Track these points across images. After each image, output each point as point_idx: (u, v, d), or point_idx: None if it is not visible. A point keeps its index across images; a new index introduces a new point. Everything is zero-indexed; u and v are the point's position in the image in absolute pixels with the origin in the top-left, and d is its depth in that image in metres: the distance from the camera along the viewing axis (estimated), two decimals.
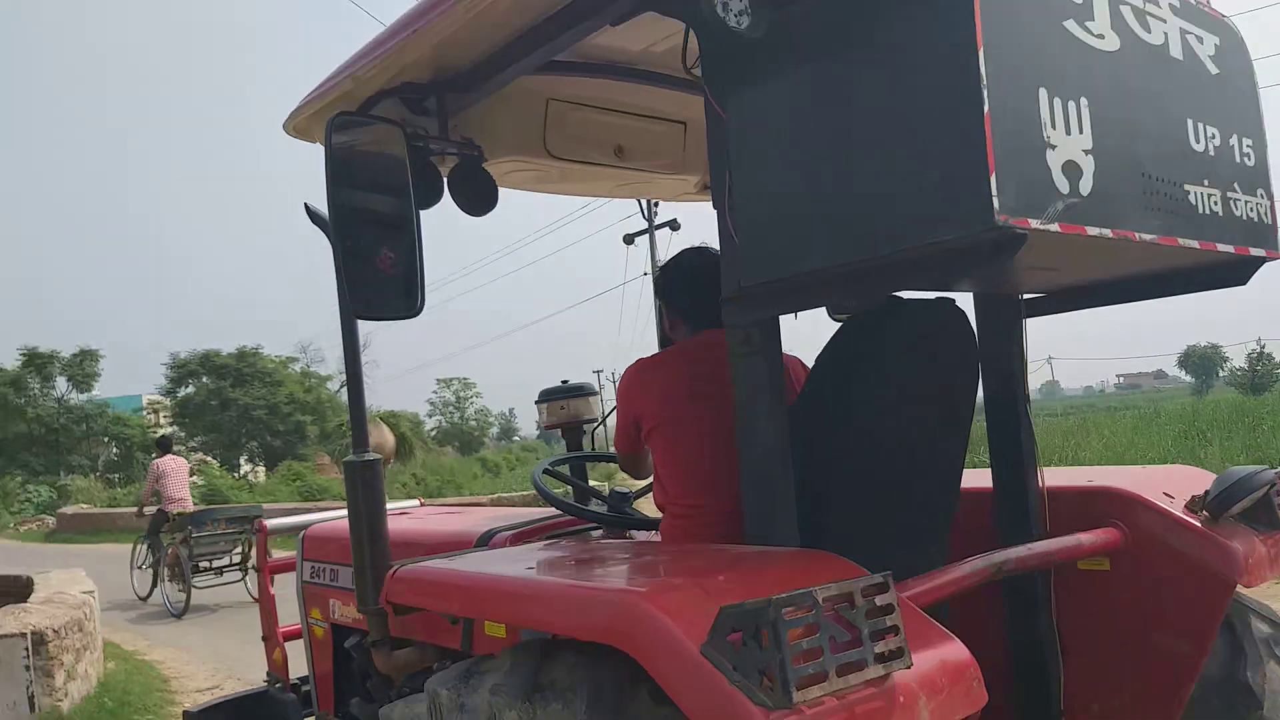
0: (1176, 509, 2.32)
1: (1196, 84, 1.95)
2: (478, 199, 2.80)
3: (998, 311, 2.52)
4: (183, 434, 44.06)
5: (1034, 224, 1.50)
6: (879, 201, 1.61)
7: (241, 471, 41.67)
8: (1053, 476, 2.58)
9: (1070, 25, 1.65)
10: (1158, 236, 1.79)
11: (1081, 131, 1.61)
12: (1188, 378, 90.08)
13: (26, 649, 6.56)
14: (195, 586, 11.71)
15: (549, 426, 3.35)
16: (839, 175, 1.68)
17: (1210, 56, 1.99)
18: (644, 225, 22.02)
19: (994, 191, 1.44)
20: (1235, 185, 2.00)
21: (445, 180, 2.69)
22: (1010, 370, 2.54)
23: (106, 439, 44.13)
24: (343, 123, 2.34)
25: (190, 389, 44.35)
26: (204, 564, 12.09)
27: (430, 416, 75.42)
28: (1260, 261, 2.09)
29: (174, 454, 13.58)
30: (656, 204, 21.15)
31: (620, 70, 2.73)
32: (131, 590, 12.80)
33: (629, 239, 22.74)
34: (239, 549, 12.28)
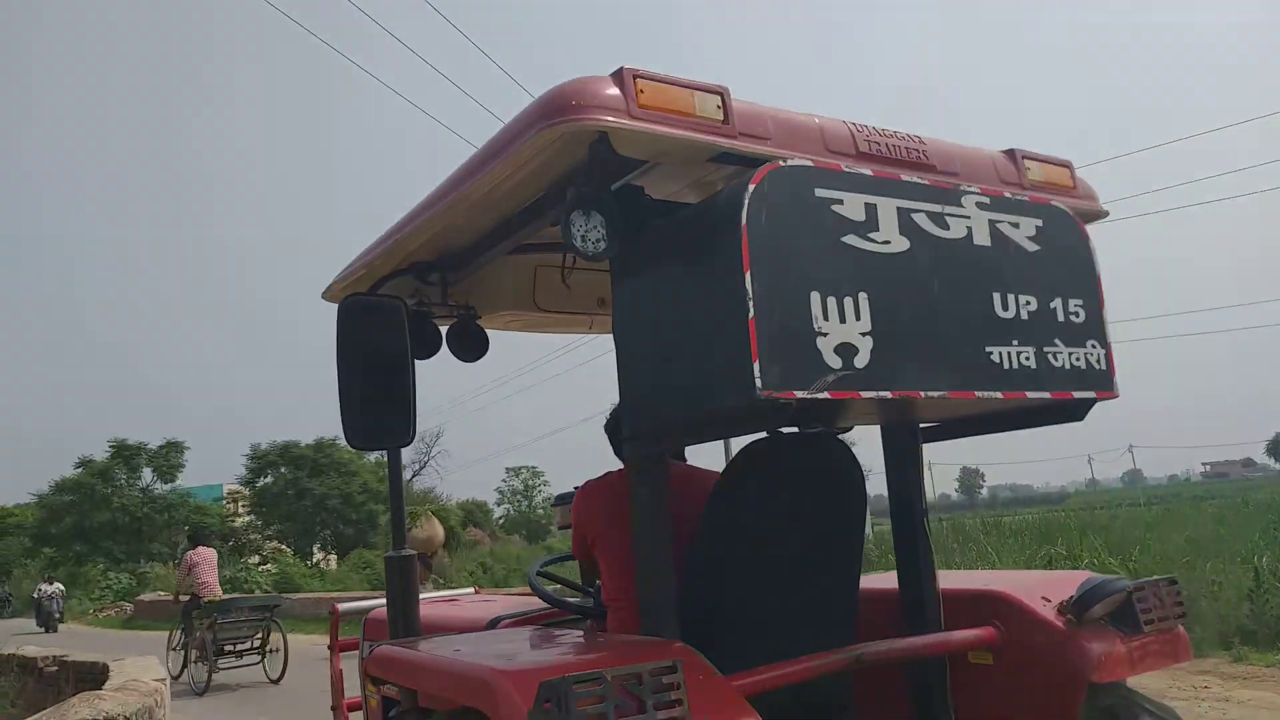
0: (1050, 612, 2.61)
1: (1006, 262, 2.32)
2: (471, 349, 3.54)
3: (898, 438, 2.90)
4: (259, 522, 44.95)
5: (799, 395, 1.91)
6: (697, 372, 2.07)
7: (314, 559, 42.20)
8: (949, 580, 2.92)
9: (851, 239, 2.07)
10: (948, 392, 2.15)
11: (859, 319, 2.03)
12: (1278, 465, 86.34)
13: None
14: (219, 669, 12.65)
15: (562, 527, 3.63)
16: (675, 352, 2.15)
17: (1029, 237, 2.38)
18: None
19: (756, 373, 1.87)
20: (1056, 341, 2.36)
21: (444, 335, 3.39)
22: (910, 487, 2.91)
23: (186, 527, 45.18)
24: (349, 304, 2.99)
25: (269, 479, 45.30)
26: (228, 647, 13.08)
27: (499, 505, 75.76)
28: (1091, 402, 2.44)
29: (206, 545, 14.89)
30: None
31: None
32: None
33: None
34: (259, 634, 13.27)
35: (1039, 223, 2.41)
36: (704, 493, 2.66)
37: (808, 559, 2.66)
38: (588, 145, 2.12)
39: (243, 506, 47.43)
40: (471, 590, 4.78)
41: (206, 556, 14.07)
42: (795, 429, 2.65)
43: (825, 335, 1.98)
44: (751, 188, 1.98)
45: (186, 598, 13.61)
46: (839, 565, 2.74)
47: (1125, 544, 17.92)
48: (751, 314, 1.90)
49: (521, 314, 3.57)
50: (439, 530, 12.13)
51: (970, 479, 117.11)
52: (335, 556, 42.18)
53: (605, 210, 2.21)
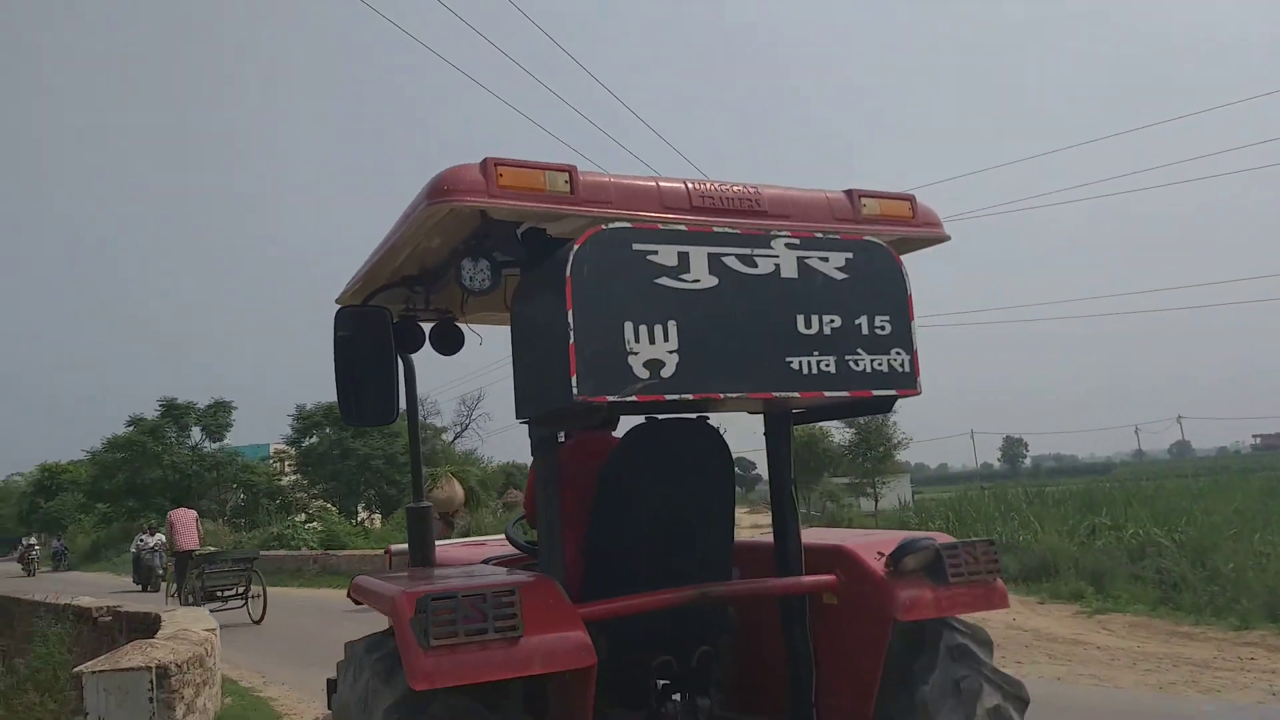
0: (878, 564, 3.22)
1: (813, 290, 2.87)
2: (449, 345, 4.24)
3: (774, 421, 3.56)
4: (305, 481, 45.70)
5: (611, 398, 2.56)
6: (545, 379, 2.72)
7: (359, 518, 42.88)
8: (812, 536, 3.66)
9: (663, 280, 2.68)
10: (748, 393, 2.78)
11: (667, 341, 2.64)
12: None
13: (151, 682, 6.92)
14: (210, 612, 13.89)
15: None
16: (536, 362, 2.85)
17: (838, 268, 2.92)
18: None
19: (574, 384, 2.52)
20: (859, 351, 2.91)
21: (426, 334, 4.09)
22: (781, 459, 3.56)
23: (235, 485, 46.12)
24: (341, 313, 3.77)
25: (314, 439, 46.02)
26: (216, 594, 15.49)
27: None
28: (893, 401, 3.04)
29: (185, 507, 18.30)
30: None
31: None
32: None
33: None
34: (242, 583, 15.79)
35: (849, 255, 2.96)
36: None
37: (682, 517, 3.29)
38: (476, 211, 2.78)
39: (289, 466, 48.28)
40: (501, 537, 5.11)
41: (183, 516, 17.27)
42: (674, 415, 3.25)
43: (635, 354, 2.62)
44: (575, 248, 2.62)
45: (176, 554, 16.75)
46: (711, 522, 3.39)
47: (1171, 515, 17.68)
48: (571, 341, 2.56)
49: (495, 314, 4.21)
50: (458, 490, 13.19)
51: (1013, 448, 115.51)
52: (379, 515, 42.82)
53: (490, 256, 2.95)
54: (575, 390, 2.55)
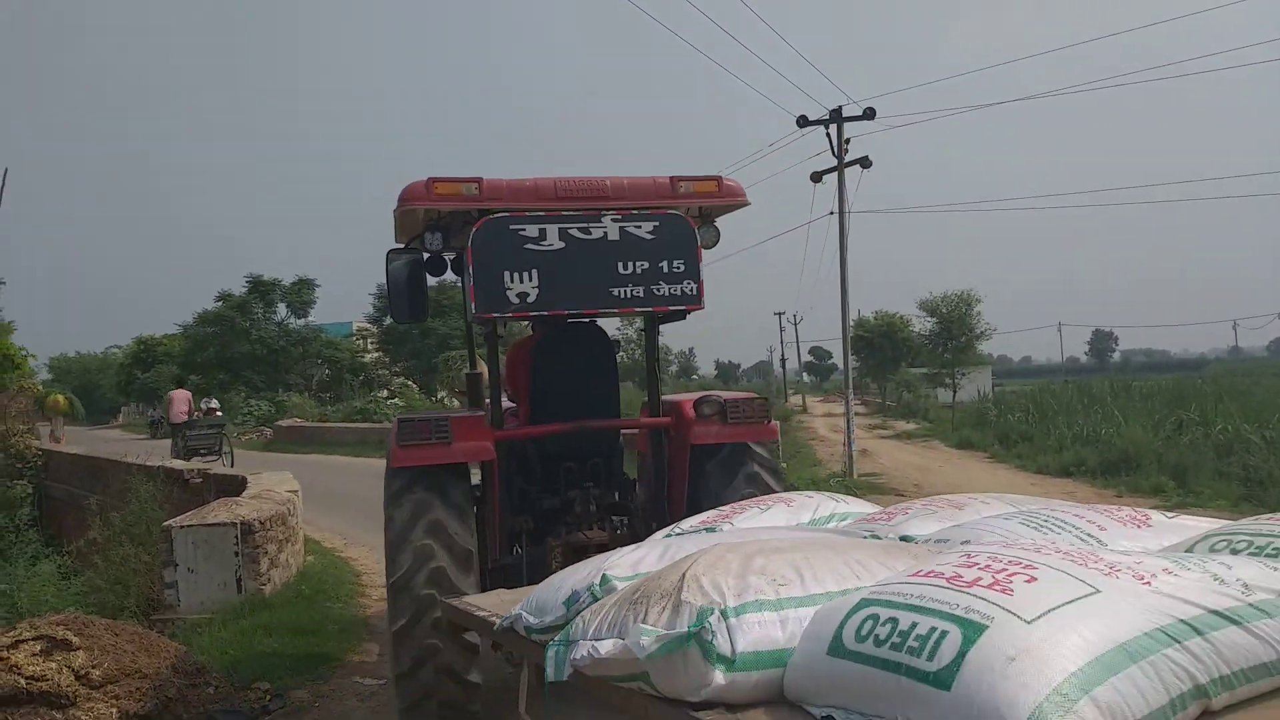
0: (691, 411, 5.06)
1: (629, 246, 4.67)
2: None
3: (649, 325, 5.56)
4: (386, 359, 46.83)
5: (494, 315, 4.65)
6: (469, 304, 4.78)
7: (439, 395, 43.97)
8: (668, 397, 5.54)
9: (529, 246, 4.52)
10: (583, 310, 4.84)
11: (531, 280, 4.51)
12: None
13: (236, 537, 7.23)
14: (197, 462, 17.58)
15: None
16: (470, 295, 4.68)
17: (648, 232, 4.69)
18: (833, 162, 21.36)
19: (472, 305, 4.54)
20: (660, 283, 4.72)
21: (449, 264, 5.41)
22: (651, 350, 5.68)
23: (319, 360, 47.47)
24: (391, 253, 5.34)
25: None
26: (198, 451, 20.03)
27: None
28: (686, 312, 4.93)
29: (182, 388, 25.12)
30: (848, 140, 20.44)
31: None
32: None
33: (816, 177, 22.01)
34: (215, 443, 20.79)
35: (655, 224, 4.76)
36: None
37: (574, 382, 5.30)
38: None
39: (371, 343, 49.43)
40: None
41: (178, 395, 22.17)
42: (569, 317, 5.10)
43: (510, 289, 4.54)
44: (474, 230, 4.52)
45: (171, 424, 21.76)
46: (595, 384, 5.39)
47: (1264, 411, 17.06)
48: (471, 284, 4.52)
49: None
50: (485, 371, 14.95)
51: (1102, 342, 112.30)
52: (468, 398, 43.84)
53: (443, 229, 4.82)
54: (474, 311, 4.64)
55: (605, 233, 4.68)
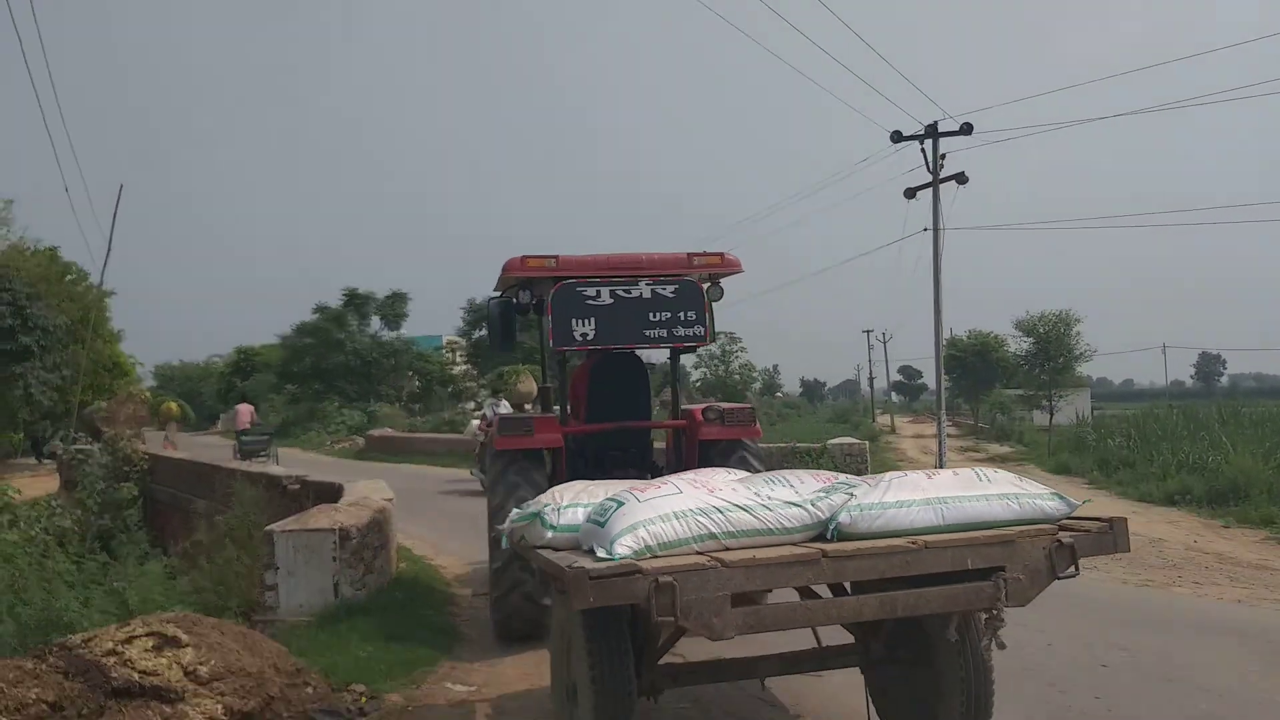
0: (701, 417, 7.35)
1: (657, 301, 6.86)
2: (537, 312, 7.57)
3: (670, 356, 7.87)
4: (474, 371, 47.61)
5: (565, 348, 6.94)
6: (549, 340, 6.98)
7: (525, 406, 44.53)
8: (685, 406, 7.77)
9: (589, 300, 6.76)
10: (624, 345, 7.09)
11: (590, 324, 6.74)
12: None
13: (334, 543, 7.43)
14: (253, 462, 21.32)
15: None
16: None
17: (670, 292, 6.88)
18: (927, 178, 21.03)
19: (550, 341, 6.82)
20: (678, 327, 6.90)
21: (531, 308, 7.30)
22: (675, 371, 8.15)
23: (410, 373, 48.57)
24: (490, 301, 7.85)
25: (484, 331, 47.77)
26: (254, 454, 23.95)
27: (696, 368, 76.78)
28: (696, 346, 7.25)
29: (246, 402, 31.33)
30: (943, 155, 20.15)
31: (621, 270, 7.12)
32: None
33: (910, 193, 21.72)
34: (266, 448, 24.92)
35: (675, 286, 6.89)
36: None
37: (617, 394, 7.40)
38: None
39: (460, 356, 50.30)
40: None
41: (243, 408, 28.58)
42: (616, 349, 7.24)
43: (575, 330, 6.71)
44: (553, 291, 6.75)
45: (236, 431, 26.93)
46: (633, 397, 7.45)
47: None
48: (550, 327, 6.76)
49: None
50: (533, 386, 16.68)
51: (1209, 364, 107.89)
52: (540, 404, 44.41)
53: (531, 289, 7.21)
54: (551, 345, 6.82)
55: (640, 293, 6.89)
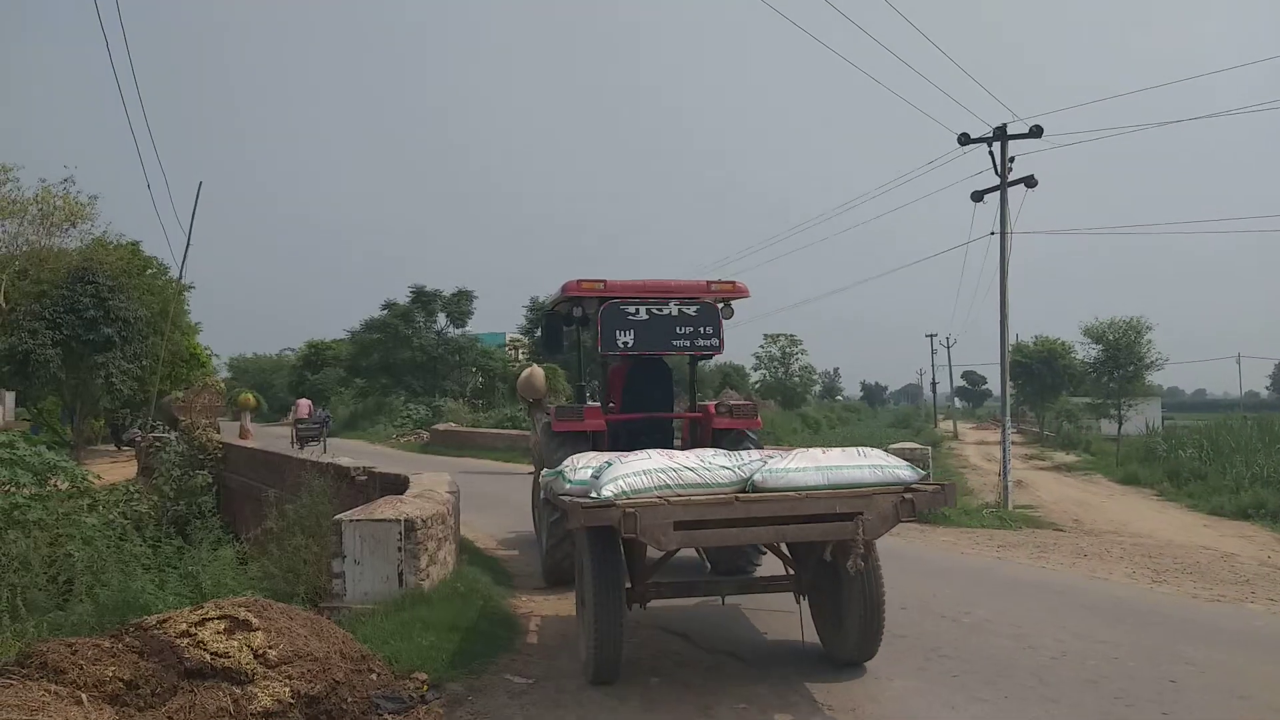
0: (713, 409, 9.48)
1: (682, 318, 8.77)
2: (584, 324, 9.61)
3: (689, 361, 10.26)
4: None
5: (609, 353, 8.95)
6: (597, 346, 8.99)
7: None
8: (701, 402, 10.00)
9: (630, 316, 8.66)
10: (655, 352, 9.09)
11: (629, 335, 8.65)
12: None
13: (400, 533, 7.57)
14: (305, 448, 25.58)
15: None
16: (596, 340, 8.97)
17: (694, 310, 8.79)
18: (995, 181, 20.68)
19: (598, 347, 8.83)
20: (698, 339, 8.79)
21: (578, 321, 9.26)
22: (693, 374, 10.42)
23: (474, 369, 49.16)
24: (547, 313, 10.31)
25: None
26: (308, 440, 28.08)
27: (755, 370, 76.37)
28: (712, 355, 9.24)
29: (305, 398, 35.54)
30: (1012, 158, 19.80)
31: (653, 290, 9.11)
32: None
33: (977, 196, 21.38)
34: (319, 435, 28.54)
35: (696, 307, 8.81)
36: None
37: (646, 390, 9.55)
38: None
39: (522, 353, 50.78)
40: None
41: (302, 402, 32.56)
42: (642, 354, 9.10)
43: (619, 338, 8.61)
44: (601, 308, 8.68)
45: (296, 421, 30.42)
46: (657, 392, 9.64)
47: None
48: (598, 337, 8.65)
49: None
50: (539, 378, 16.97)
51: None
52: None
53: (583, 306, 9.03)
54: (600, 350, 8.84)
55: (670, 311, 8.77)
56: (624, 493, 5.36)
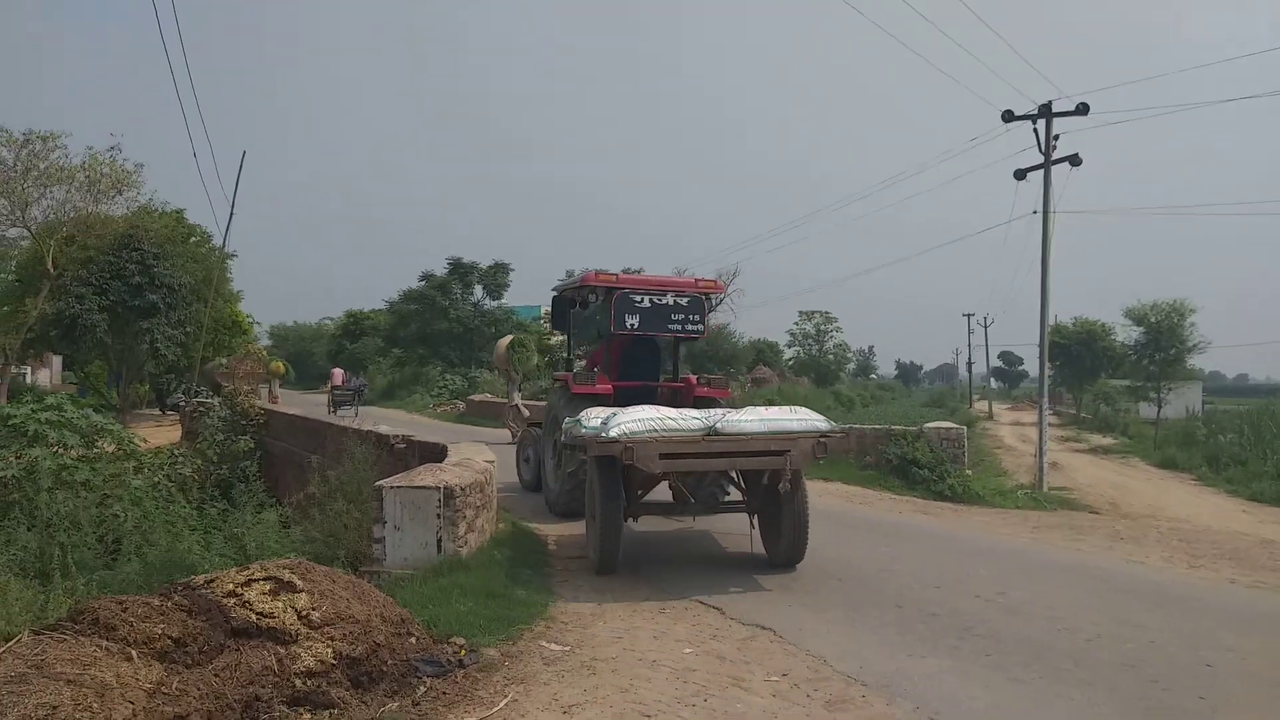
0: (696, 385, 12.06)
1: (678, 307, 11.30)
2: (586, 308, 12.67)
3: (672, 342, 12.67)
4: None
5: (620, 332, 11.24)
6: (608, 327, 11.47)
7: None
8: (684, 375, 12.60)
9: (636, 303, 11.15)
10: (652, 333, 11.55)
11: (635, 318, 11.12)
12: None
13: (439, 500, 7.69)
14: (341, 413, 27.47)
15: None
16: (608, 323, 11.43)
17: (686, 301, 11.34)
18: (1039, 159, 20.37)
19: (611, 327, 11.21)
20: (687, 324, 11.39)
21: (587, 305, 12.32)
22: (677, 356, 13.04)
23: (524, 334, 49.48)
24: (556, 296, 12.83)
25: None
26: (341, 405, 30.32)
27: (789, 346, 76.03)
28: (698, 338, 12.08)
29: (339, 368, 38.99)
30: (1056, 136, 19.49)
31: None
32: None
33: (1020, 174, 21.07)
34: (353, 402, 30.83)
35: (687, 299, 11.34)
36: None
37: (641, 361, 11.95)
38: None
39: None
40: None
41: (336, 371, 36.17)
42: (644, 334, 11.52)
43: (628, 320, 11.08)
44: (615, 296, 11.07)
45: (334, 386, 33.05)
46: (651, 364, 12.07)
47: None
48: (611, 319, 11.06)
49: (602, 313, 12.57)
50: (500, 348, 21.62)
51: None
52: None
53: (596, 293, 11.76)
54: (613, 330, 11.11)
55: (667, 300, 11.16)
56: (626, 434, 7.66)
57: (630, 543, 9.08)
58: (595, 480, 8.36)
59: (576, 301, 11.97)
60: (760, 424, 7.95)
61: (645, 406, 8.25)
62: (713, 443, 7.80)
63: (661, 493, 10.17)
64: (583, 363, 14.48)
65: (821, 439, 7.95)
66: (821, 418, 8.24)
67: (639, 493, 9.07)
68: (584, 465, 9.43)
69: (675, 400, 11.23)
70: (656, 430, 7.71)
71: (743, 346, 57.44)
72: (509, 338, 20.68)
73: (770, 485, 8.17)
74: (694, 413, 8.17)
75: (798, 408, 8.48)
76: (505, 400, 19.33)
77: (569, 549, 9.39)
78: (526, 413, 19.24)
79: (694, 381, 11.65)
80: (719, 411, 8.38)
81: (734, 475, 9.12)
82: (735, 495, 9.42)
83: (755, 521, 8.92)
